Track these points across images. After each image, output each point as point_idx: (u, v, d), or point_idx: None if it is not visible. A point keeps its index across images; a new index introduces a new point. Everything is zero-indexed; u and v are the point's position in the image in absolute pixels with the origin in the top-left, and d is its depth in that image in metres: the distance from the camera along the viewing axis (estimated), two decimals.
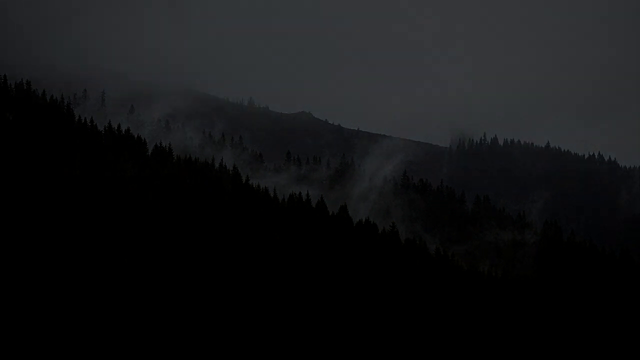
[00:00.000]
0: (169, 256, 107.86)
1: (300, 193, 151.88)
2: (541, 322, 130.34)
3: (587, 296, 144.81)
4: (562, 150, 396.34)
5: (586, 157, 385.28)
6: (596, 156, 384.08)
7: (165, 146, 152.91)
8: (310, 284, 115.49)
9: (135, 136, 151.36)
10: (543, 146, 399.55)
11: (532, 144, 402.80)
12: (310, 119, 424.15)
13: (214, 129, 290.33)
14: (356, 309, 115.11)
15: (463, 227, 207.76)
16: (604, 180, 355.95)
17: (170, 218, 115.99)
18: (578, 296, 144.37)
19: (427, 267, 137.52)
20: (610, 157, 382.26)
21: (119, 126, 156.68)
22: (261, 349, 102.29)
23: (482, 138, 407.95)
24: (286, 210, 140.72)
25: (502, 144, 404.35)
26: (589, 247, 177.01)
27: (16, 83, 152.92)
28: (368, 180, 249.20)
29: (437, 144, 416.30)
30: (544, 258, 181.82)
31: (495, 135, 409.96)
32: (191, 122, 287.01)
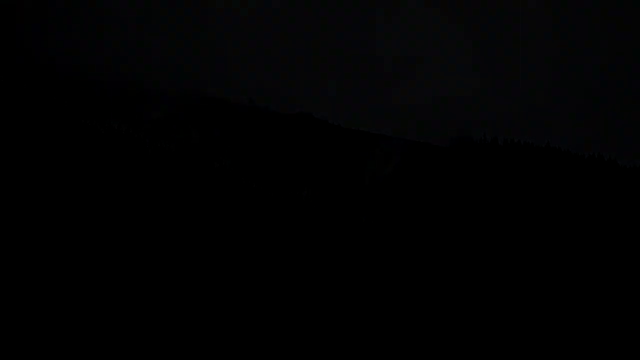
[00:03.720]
0: (169, 256, 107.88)
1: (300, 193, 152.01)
2: (550, 321, 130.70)
3: (587, 295, 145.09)
4: (562, 150, 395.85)
5: (586, 157, 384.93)
6: (596, 156, 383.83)
7: (165, 146, 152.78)
8: (311, 284, 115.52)
9: (135, 136, 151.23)
10: (543, 146, 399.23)
11: (532, 144, 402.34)
12: (311, 119, 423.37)
13: (214, 129, 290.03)
14: (357, 308, 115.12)
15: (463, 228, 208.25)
16: (603, 180, 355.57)
17: (169, 218, 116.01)
18: (577, 295, 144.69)
19: (428, 266, 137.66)
20: (610, 157, 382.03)
21: (119, 126, 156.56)
22: (261, 348, 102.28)
23: (482, 138, 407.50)
24: (285, 210, 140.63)
25: (502, 144, 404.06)
26: (589, 247, 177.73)
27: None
28: (368, 180, 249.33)
29: (437, 144, 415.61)
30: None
31: (496, 136, 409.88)
32: (191, 122, 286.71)
